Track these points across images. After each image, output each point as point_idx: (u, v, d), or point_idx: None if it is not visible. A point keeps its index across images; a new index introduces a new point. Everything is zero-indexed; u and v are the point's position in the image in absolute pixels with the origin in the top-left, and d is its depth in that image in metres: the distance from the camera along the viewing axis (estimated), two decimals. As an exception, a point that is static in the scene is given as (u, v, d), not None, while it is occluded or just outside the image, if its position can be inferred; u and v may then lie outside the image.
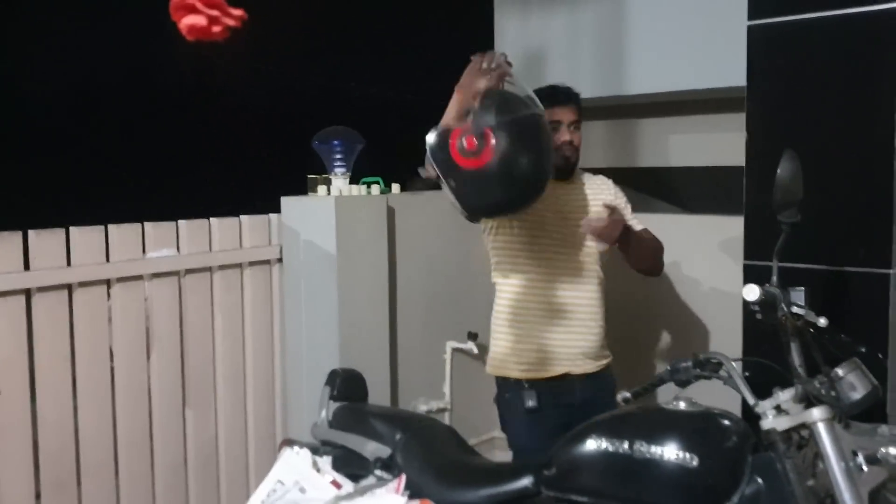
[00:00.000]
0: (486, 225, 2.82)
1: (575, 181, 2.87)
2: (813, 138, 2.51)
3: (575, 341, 2.74)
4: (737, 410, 2.12)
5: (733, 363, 1.97)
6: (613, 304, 3.76)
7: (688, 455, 1.82)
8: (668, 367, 2.07)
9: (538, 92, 2.41)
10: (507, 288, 2.81)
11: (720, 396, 2.05)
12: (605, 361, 2.84)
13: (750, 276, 2.49)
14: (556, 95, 2.76)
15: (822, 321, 1.72)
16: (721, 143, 3.98)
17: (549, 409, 2.67)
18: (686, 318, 3.56)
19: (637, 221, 2.89)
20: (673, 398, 2.00)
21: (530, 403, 2.66)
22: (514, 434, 2.76)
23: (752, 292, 1.72)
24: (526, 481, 2.05)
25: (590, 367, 2.77)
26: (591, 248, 2.77)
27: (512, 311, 2.77)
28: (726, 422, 1.90)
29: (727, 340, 2.77)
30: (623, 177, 4.85)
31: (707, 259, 3.53)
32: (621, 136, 4.62)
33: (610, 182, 2.97)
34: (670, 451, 1.84)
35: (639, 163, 4.60)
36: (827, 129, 2.51)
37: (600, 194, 2.86)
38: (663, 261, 2.91)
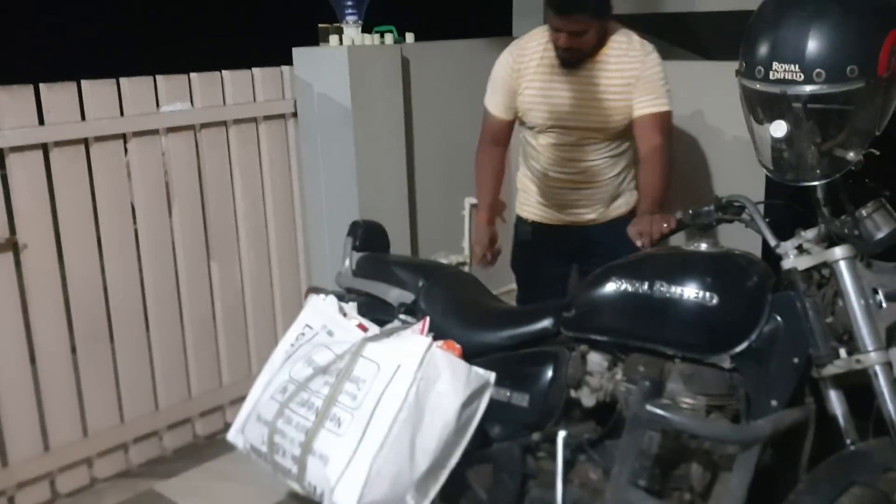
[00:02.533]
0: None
1: (589, 67, 2.65)
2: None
3: (583, 208, 2.84)
4: (758, 255, 2.13)
5: (756, 205, 1.96)
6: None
7: (707, 294, 1.83)
8: (690, 211, 2.06)
9: None
10: (529, 150, 2.86)
11: (742, 242, 2.05)
12: (615, 213, 2.84)
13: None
14: (560, 5, 2.55)
15: (851, 155, 1.68)
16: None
17: (548, 243, 2.89)
18: (709, 165, 3.53)
19: (660, 102, 2.64)
20: (694, 240, 2.00)
21: (527, 237, 2.92)
22: (513, 259, 2.99)
23: (780, 128, 1.67)
24: (546, 322, 2.09)
25: (596, 217, 2.85)
26: (612, 126, 2.69)
27: (531, 171, 2.89)
28: (746, 261, 1.90)
29: (750, 187, 2.74)
30: (644, 24, 4.71)
31: (730, 106, 3.44)
32: (643, -19, 4.44)
33: (641, 57, 2.64)
34: (690, 290, 1.85)
35: (661, 8, 4.43)
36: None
37: (619, 75, 2.63)
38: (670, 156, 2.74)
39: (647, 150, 2.63)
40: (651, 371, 1.89)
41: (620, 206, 2.85)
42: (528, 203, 2.95)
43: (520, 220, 2.99)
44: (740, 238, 2.08)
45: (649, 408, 1.79)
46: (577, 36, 2.57)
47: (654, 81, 2.63)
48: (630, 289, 1.92)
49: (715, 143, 3.53)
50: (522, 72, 2.72)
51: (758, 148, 1.79)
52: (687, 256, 1.93)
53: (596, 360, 1.99)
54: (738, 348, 1.82)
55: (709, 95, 3.58)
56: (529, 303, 2.88)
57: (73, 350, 2.89)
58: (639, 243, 2.16)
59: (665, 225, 2.15)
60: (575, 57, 2.62)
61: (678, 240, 2.28)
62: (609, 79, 2.64)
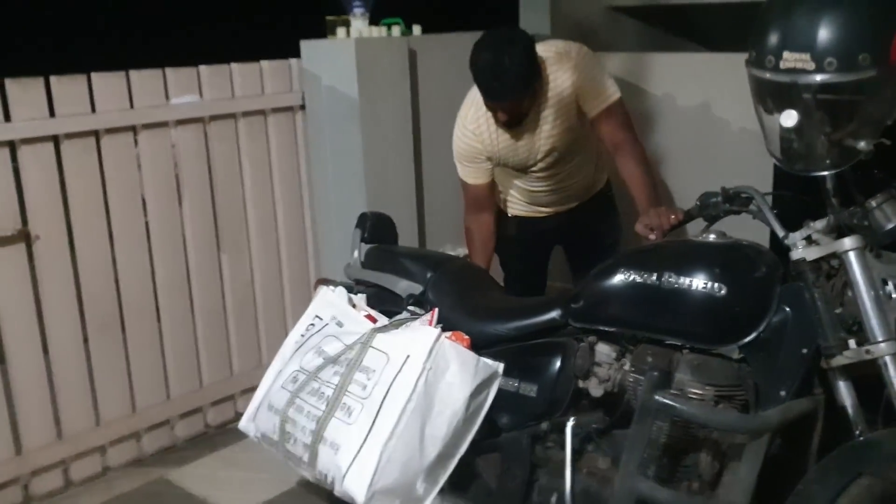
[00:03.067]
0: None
1: (532, 116, 2.62)
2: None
3: (566, 200, 2.94)
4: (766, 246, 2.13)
5: (764, 196, 1.96)
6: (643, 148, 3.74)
7: (716, 284, 1.84)
8: (698, 203, 2.06)
9: (477, 74, 2.52)
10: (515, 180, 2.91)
11: (750, 233, 2.05)
12: (593, 193, 2.98)
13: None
14: (488, 92, 2.53)
15: (862, 145, 1.68)
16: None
17: (533, 231, 2.99)
18: (717, 157, 3.52)
19: (606, 94, 2.62)
20: (702, 231, 2.00)
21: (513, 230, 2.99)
22: (498, 249, 2.99)
23: (790, 118, 1.67)
24: (554, 314, 2.10)
25: (578, 203, 2.96)
26: (584, 139, 2.75)
27: (511, 182, 2.94)
28: (755, 252, 1.91)
29: (758, 178, 2.75)
30: (651, 15, 4.71)
31: (736, 98, 3.44)
32: (650, -27, 4.43)
33: (569, 68, 2.60)
34: (698, 281, 1.85)
35: (667, 0, 4.42)
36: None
37: (557, 102, 2.62)
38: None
39: (612, 146, 2.65)
40: (659, 361, 1.90)
41: (597, 186, 2.98)
42: (512, 202, 3.00)
43: (504, 216, 3.01)
44: (748, 229, 2.08)
45: (658, 398, 1.80)
46: (514, 110, 2.55)
47: (592, 80, 2.61)
48: (638, 280, 1.93)
49: (722, 134, 3.53)
50: (489, 138, 2.70)
51: (767, 138, 1.79)
52: (695, 247, 1.93)
53: (604, 350, 2.00)
54: (747, 339, 1.83)
55: (715, 87, 3.57)
56: (515, 287, 2.96)
57: (86, 340, 2.92)
58: (652, 237, 2.16)
59: (672, 217, 2.16)
60: (516, 120, 2.59)
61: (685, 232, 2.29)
62: (564, 99, 2.61)
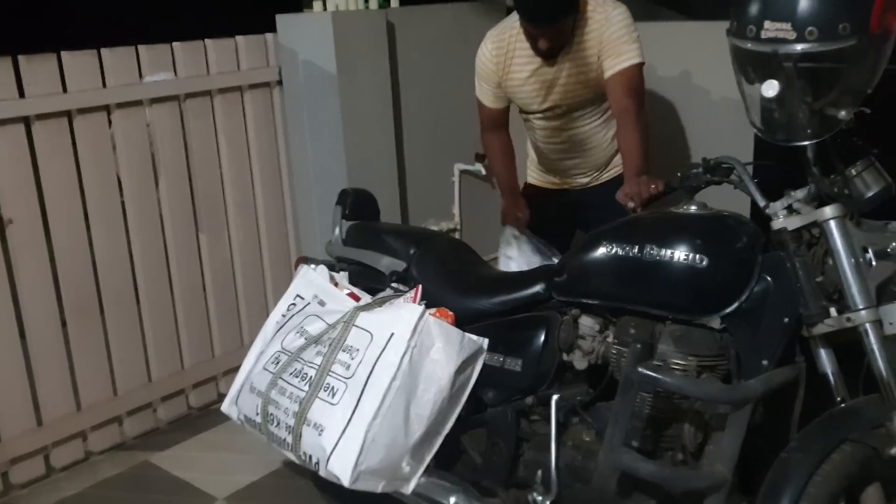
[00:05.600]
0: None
1: (563, 55, 2.63)
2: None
3: (579, 173, 2.90)
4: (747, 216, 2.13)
5: (744, 166, 1.95)
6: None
7: (697, 255, 1.83)
8: (679, 174, 2.05)
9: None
10: (527, 123, 2.92)
11: (731, 203, 2.05)
12: (607, 177, 2.88)
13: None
14: (532, 17, 2.53)
15: (843, 114, 1.68)
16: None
17: (548, 207, 2.91)
18: (697, 127, 3.51)
19: (635, 54, 2.58)
20: (683, 202, 2.00)
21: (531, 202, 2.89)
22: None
23: (772, 88, 1.66)
24: (538, 287, 2.09)
25: (589, 181, 2.91)
26: (599, 96, 2.69)
27: (531, 141, 2.98)
28: (736, 222, 1.90)
29: (739, 148, 2.74)
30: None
31: (718, 67, 3.43)
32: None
33: (602, 19, 2.58)
34: (680, 253, 1.85)
35: (648, -32, 4.39)
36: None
37: (588, 47, 2.61)
38: (644, 111, 2.68)
39: (617, 111, 2.60)
40: (642, 333, 1.89)
41: (612, 169, 2.88)
42: (532, 169, 3.03)
43: (525, 185, 3.05)
44: (729, 199, 2.08)
45: (641, 370, 1.80)
46: (556, 37, 2.55)
47: (617, 38, 2.57)
48: (620, 252, 1.92)
49: (703, 104, 3.52)
50: (503, 64, 2.71)
51: (748, 108, 1.78)
52: (677, 219, 1.92)
53: (588, 323, 2.00)
54: (729, 309, 1.82)
55: (696, 56, 3.56)
56: None
57: (64, 324, 2.88)
58: (630, 205, 2.16)
59: (653, 186, 2.15)
60: (555, 51, 2.60)
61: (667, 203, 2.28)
62: (587, 50, 2.61)
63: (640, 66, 2.62)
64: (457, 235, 3.90)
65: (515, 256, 2.62)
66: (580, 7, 2.56)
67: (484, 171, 3.85)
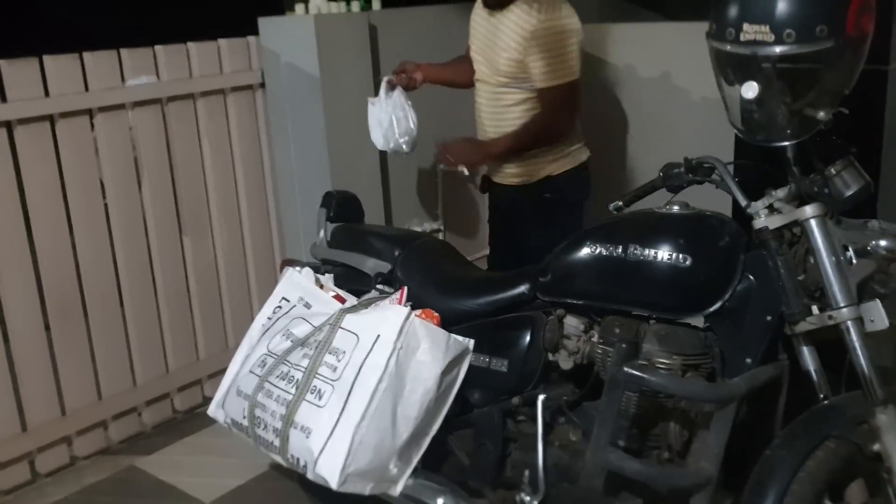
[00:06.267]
0: None
1: (505, 12, 2.67)
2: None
3: (496, 171, 2.87)
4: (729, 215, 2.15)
5: (726, 166, 1.97)
6: (602, 116, 3.73)
7: (680, 255, 1.85)
8: (661, 173, 2.07)
9: None
10: None
11: (713, 203, 2.07)
12: (534, 177, 2.80)
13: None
14: None
15: (821, 114, 1.70)
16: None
17: (493, 202, 3.00)
18: (678, 126, 3.54)
19: (551, 76, 2.61)
20: (666, 203, 2.01)
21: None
22: None
23: (751, 89, 1.68)
24: (522, 288, 2.10)
25: (504, 178, 2.86)
26: (501, 72, 2.70)
27: None
28: (718, 222, 1.92)
29: (720, 147, 2.77)
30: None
31: (697, 67, 3.46)
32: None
33: (538, 22, 2.60)
34: (663, 253, 1.86)
35: (628, -31, 4.42)
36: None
37: (518, 31, 2.63)
38: (559, 129, 2.73)
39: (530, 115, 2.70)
40: (627, 333, 1.91)
41: (533, 172, 2.79)
42: None
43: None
44: (711, 199, 2.10)
45: (626, 369, 1.81)
46: None
47: (543, 52, 2.60)
48: (604, 252, 1.93)
49: (683, 104, 3.55)
50: (477, 7, 2.82)
51: (728, 109, 1.80)
52: (660, 219, 1.94)
53: (572, 323, 2.01)
54: (712, 308, 1.84)
55: (675, 56, 3.59)
56: (493, 263, 2.98)
57: (47, 328, 2.86)
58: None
59: (462, 166, 2.72)
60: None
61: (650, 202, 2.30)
62: (511, 29, 2.64)
63: (559, 87, 2.63)
64: (440, 236, 3.91)
65: (379, 103, 2.87)
66: None
67: (467, 173, 3.85)
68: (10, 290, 2.73)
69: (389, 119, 2.87)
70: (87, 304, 2.94)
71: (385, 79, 2.89)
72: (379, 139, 2.92)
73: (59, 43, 2.84)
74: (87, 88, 2.81)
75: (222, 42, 3.20)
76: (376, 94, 2.94)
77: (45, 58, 2.70)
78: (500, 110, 2.76)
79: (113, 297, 3.01)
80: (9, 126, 2.65)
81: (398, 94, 2.86)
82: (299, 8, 3.23)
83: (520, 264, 2.74)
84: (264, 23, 3.28)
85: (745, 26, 1.64)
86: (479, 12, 2.80)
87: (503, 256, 2.94)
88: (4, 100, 2.62)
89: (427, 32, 3.73)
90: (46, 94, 2.72)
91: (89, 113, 2.85)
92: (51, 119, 2.75)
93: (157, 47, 3.00)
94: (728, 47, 1.69)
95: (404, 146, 2.91)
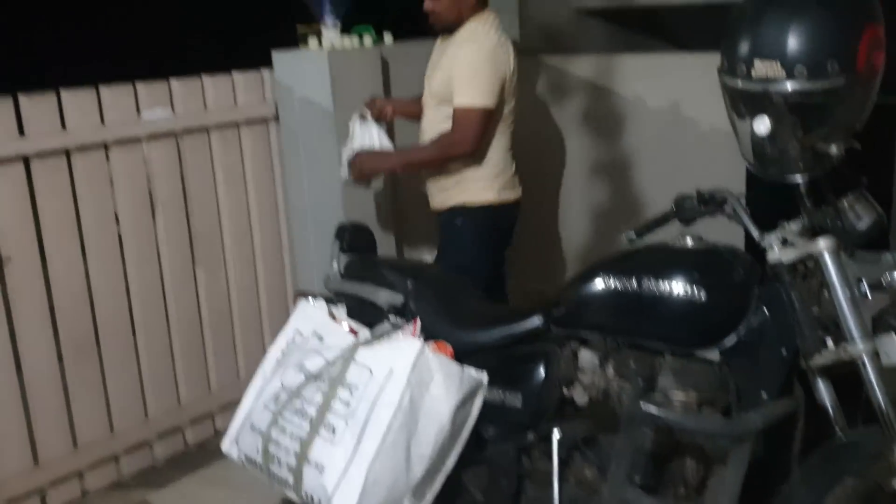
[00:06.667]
0: None
1: (450, 42, 2.85)
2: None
3: (428, 180, 2.96)
4: (741, 247, 2.15)
5: (738, 198, 1.98)
6: (611, 147, 3.75)
7: (694, 289, 1.85)
8: (673, 205, 2.07)
9: None
10: None
11: (725, 235, 2.07)
12: (446, 204, 2.90)
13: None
14: None
15: (834, 149, 1.70)
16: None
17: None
18: (689, 157, 3.55)
19: (465, 97, 2.71)
20: (678, 235, 2.02)
21: None
22: None
23: (763, 124, 1.69)
24: (536, 321, 2.09)
25: (433, 202, 2.98)
26: (435, 96, 2.85)
27: None
28: (732, 255, 1.93)
29: (730, 178, 2.78)
30: (619, 17, 4.73)
31: (707, 98, 3.46)
32: (617, -25, 4.45)
33: (468, 49, 2.75)
34: (678, 286, 1.87)
35: (636, 1, 4.45)
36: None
37: (453, 58, 2.79)
38: (458, 150, 2.78)
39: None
40: (642, 367, 1.91)
41: (448, 196, 2.90)
42: None
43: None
44: (723, 230, 2.10)
45: (643, 405, 1.81)
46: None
47: (461, 75, 2.73)
48: (618, 286, 1.94)
49: (693, 134, 3.56)
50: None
51: (741, 143, 1.81)
52: (673, 252, 1.95)
53: (587, 357, 2.01)
54: (727, 342, 1.84)
55: (686, 87, 3.60)
56: None
57: (61, 359, 2.87)
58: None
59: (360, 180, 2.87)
60: (435, 24, 2.85)
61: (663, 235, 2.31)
62: (451, 49, 2.81)
63: (469, 111, 2.71)
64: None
65: (351, 137, 2.95)
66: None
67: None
68: (24, 322, 2.74)
69: (361, 144, 2.96)
70: (100, 337, 2.95)
71: (356, 114, 2.97)
72: (346, 174, 2.97)
73: (75, 76, 2.88)
74: (103, 122, 2.84)
75: (237, 75, 3.23)
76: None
77: (63, 92, 2.74)
78: (435, 130, 2.87)
79: (126, 330, 3.02)
80: (26, 160, 2.67)
81: (371, 125, 2.96)
82: (313, 42, 3.27)
83: None
84: (278, 57, 3.32)
85: (757, 62, 1.66)
86: (437, 42, 2.98)
87: None
88: (22, 134, 2.65)
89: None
90: (63, 127, 2.74)
91: (105, 146, 2.87)
92: (67, 153, 2.77)
93: (173, 80, 3.04)
94: (739, 83, 1.70)
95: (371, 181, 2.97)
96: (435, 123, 2.87)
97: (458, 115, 2.74)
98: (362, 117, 2.97)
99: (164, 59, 3.32)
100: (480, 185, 2.86)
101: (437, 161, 2.83)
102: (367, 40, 3.39)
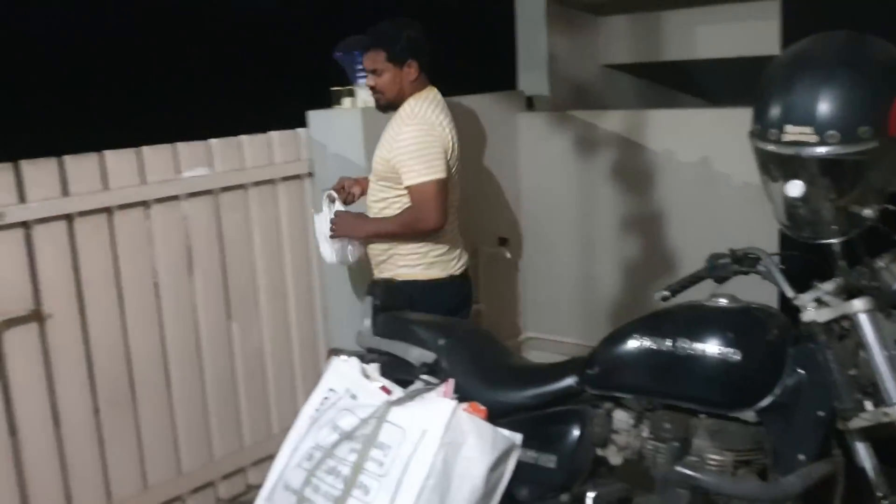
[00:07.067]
0: None
1: (393, 119, 2.89)
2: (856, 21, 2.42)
3: (373, 252, 2.95)
4: (775, 305, 2.14)
5: (772, 257, 1.98)
6: (640, 203, 3.75)
7: (729, 349, 1.85)
8: (706, 264, 2.08)
9: None
10: None
11: (759, 294, 2.06)
12: (388, 274, 2.88)
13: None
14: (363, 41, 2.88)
15: (867, 212, 1.71)
16: (752, 32, 3.88)
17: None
18: (720, 213, 3.54)
19: (415, 175, 2.73)
20: (711, 294, 2.02)
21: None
22: None
23: (796, 188, 1.70)
24: (570, 381, 2.09)
25: (379, 273, 2.94)
26: (377, 171, 2.85)
27: None
28: (766, 315, 1.92)
29: (762, 236, 2.78)
30: (647, 72, 4.78)
31: (738, 154, 3.47)
32: (644, 29, 4.51)
33: (409, 129, 2.77)
34: (712, 347, 1.86)
35: (663, 56, 4.50)
36: (872, 13, 2.42)
37: (394, 136, 2.81)
38: (426, 224, 2.77)
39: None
40: (677, 428, 1.90)
41: (387, 267, 2.89)
42: None
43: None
44: (757, 289, 2.10)
45: (678, 467, 1.79)
46: (375, 75, 2.84)
47: (403, 154, 2.74)
48: (652, 346, 1.94)
49: (725, 191, 3.55)
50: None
51: (774, 205, 1.82)
52: (707, 312, 1.95)
53: (621, 417, 2.00)
54: (763, 403, 1.83)
55: (717, 143, 3.60)
56: None
57: (96, 412, 2.89)
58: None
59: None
60: (380, 102, 2.90)
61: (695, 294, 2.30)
62: (390, 133, 2.84)
63: (422, 185, 2.73)
64: (480, 319, 3.92)
65: (322, 216, 2.96)
66: (402, 71, 2.81)
67: (508, 255, 3.89)
68: (63, 377, 2.78)
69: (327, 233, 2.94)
70: (135, 388, 2.98)
71: (325, 193, 2.98)
72: (326, 252, 2.97)
73: (118, 137, 2.96)
74: (144, 181, 2.92)
75: (273, 134, 3.31)
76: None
77: (106, 153, 2.82)
78: (374, 205, 2.91)
79: (160, 382, 3.05)
80: (69, 219, 2.75)
81: (339, 206, 2.94)
82: (346, 101, 3.35)
83: None
84: (314, 115, 3.40)
85: (788, 127, 1.68)
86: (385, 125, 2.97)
87: None
88: (66, 194, 2.73)
89: (463, 121, 3.82)
90: (106, 187, 2.82)
91: (145, 204, 2.94)
92: (108, 211, 2.84)
93: (212, 140, 3.12)
94: (771, 147, 1.72)
95: (350, 257, 2.97)
96: (373, 201, 2.91)
97: (414, 194, 2.74)
98: (331, 199, 2.95)
99: (204, 119, 3.41)
100: (440, 258, 2.87)
101: (403, 235, 2.82)
102: (399, 99, 3.45)
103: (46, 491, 2.77)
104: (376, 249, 2.91)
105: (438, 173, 2.73)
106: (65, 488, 2.82)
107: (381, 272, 2.91)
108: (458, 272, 2.93)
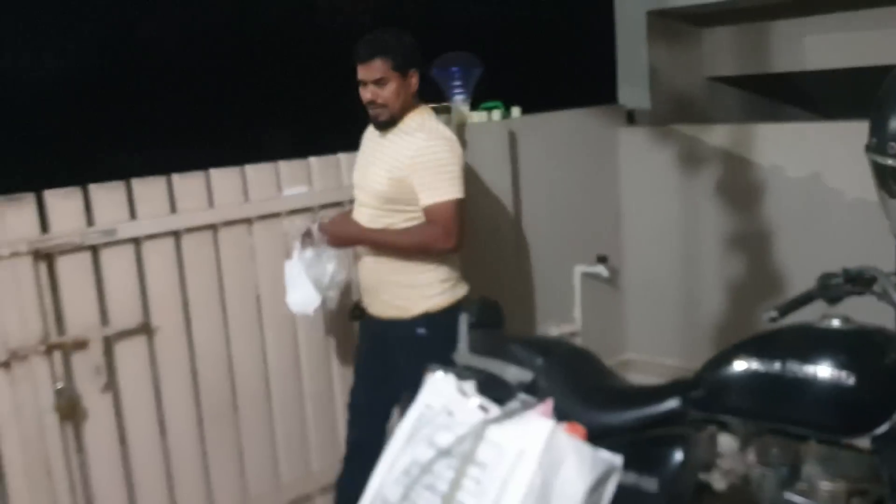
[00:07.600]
0: None
1: (393, 135, 2.75)
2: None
3: (366, 280, 2.87)
4: (892, 328, 2.03)
5: (889, 277, 1.88)
6: (747, 220, 3.63)
7: (843, 372, 1.76)
8: (817, 283, 1.99)
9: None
10: None
11: (873, 316, 1.96)
12: (393, 313, 2.78)
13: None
14: (357, 52, 2.69)
15: None
16: (865, 42, 3.72)
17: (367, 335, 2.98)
18: (832, 230, 3.39)
19: (439, 193, 2.62)
20: (822, 315, 1.93)
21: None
22: None
23: (918, 203, 1.62)
24: (673, 403, 2.03)
25: (376, 309, 2.84)
26: (379, 194, 2.73)
27: None
28: (884, 338, 1.83)
29: (878, 254, 2.64)
30: (753, 84, 4.65)
31: (850, 168, 3.33)
32: (750, 40, 4.39)
33: (422, 142, 2.66)
34: (825, 370, 1.78)
35: (770, 68, 4.37)
36: None
37: (402, 151, 2.69)
38: (439, 244, 2.67)
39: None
40: (786, 454, 1.82)
41: (405, 309, 2.76)
42: None
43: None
44: (872, 310, 1.99)
45: (787, 495, 1.71)
46: (378, 86, 2.67)
47: (427, 171, 2.63)
48: (761, 368, 1.86)
49: (838, 206, 3.41)
50: (366, 134, 2.91)
51: (891, 222, 1.73)
52: (819, 334, 1.86)
53: (726, 441, 1.93)
54: (879, 429, 1.73)
55: (827, 156, 3.47)
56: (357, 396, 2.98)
57: (200, 423, 2.98)
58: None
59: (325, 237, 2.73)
60: (381, 115, 2.71)
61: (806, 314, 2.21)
62: (395, 150, 2.71)
63: (445, 204, 2.63)
64: (577, 339, 3.87)
65: (293, 263, 2.82)
66: (407, 80, 2.69)
67: (607, 273, 3.83)
68: (169, 389, 2.87)
69: (304, 279, 2.82)
70: (237, 402, 3.05)
71: (297, 234, 2.87)
72: (299, 300, 2.85)
73: (223, 156, 3.06)
74: (247, 198, 3.01)
75: (371, 152, 3.35)
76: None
77: (212, 171, 2.92)
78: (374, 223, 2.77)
79: (262, 395, 3.12)
80: (176, 235, 2.86)
81: (310, 253, 2.83)
82: (443, 118, 3.37)
83: (386, 400, 2.74)
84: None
85: None
86: (368, 135, 2.89)
87: (370, 391, 2.93)
88: (174, 211, 2.83)
89: (563, 136, 3.80)
90: (211, 204, 2.92)
91: (248, 221, 3.03)
92: (213, 228, 2.94)
93: (311, 159, 3.19)
94: (889, 161, 1.64)
95: (328, 302, 2.89)
96: (372, 224, 2.77)
97: (434, 213, 2.64)
98: (308, 236, 2.84)
99: (305, 138, 3.51)
100: (452, 283, 2.79)
101: (412, 250, 2.71)
102: (496, 114, 3.47)
103: (154, 498, 2.86)
104: (389, 283, 2.78)
105: (460, 193, 2.66)
106: (170, 497, 2.91)
107: (410, 310, 2.75)
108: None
